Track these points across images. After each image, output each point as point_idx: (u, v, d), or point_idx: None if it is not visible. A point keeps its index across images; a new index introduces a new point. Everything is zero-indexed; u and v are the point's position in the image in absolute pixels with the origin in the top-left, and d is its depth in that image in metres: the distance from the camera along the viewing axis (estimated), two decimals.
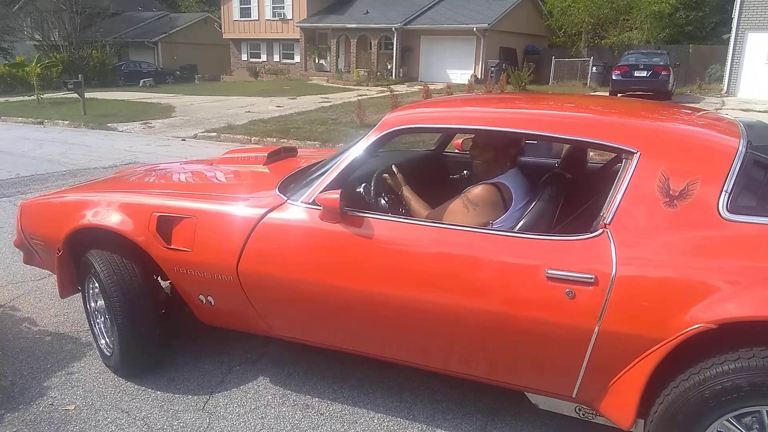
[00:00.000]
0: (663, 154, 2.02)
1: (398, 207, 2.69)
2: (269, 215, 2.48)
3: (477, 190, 2.46)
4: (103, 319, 2.92)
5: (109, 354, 2.89)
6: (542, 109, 2.55)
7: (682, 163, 1.98)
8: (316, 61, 30.27)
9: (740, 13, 19.28)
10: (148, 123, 13.88)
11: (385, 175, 2.73)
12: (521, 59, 25.79)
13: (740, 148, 2.01)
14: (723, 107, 16.39)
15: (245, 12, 31.94)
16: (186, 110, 16.59)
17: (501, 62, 24.33)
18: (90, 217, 2.78)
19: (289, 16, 30.34)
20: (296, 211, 2.45)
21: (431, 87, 19.57)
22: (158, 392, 2.77)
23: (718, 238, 1.86)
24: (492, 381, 2.33)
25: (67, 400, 2.71)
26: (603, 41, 26.56)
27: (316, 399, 2.71)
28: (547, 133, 2.25)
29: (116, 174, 3.88)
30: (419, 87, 19.77)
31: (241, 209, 2.56)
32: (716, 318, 1.75)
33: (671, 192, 1.94)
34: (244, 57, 33.12)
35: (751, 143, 2.05)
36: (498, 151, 2.56)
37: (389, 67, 27.59)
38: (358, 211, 2.34)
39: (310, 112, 15.10)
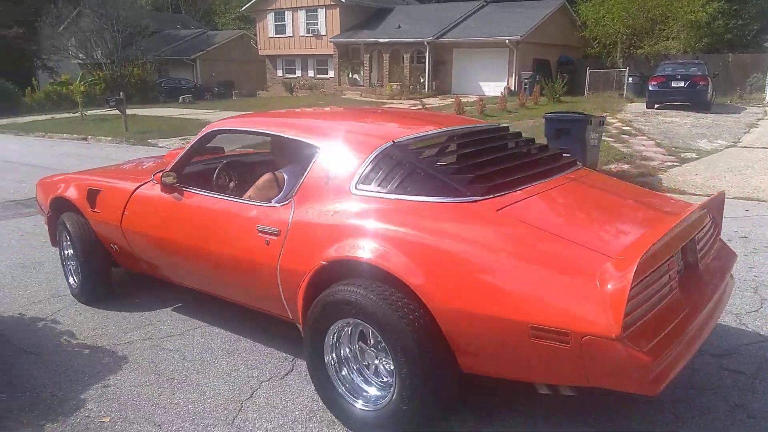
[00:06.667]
0: (331, 149, 2.88)
1: (236, 188, 3.61)
2: (138, 189, 3.67)
3: (261, 179, 3.28)
4: (72, 263, 4.18)
5: (75, 288, 4.16)
6: (294, 117, 3.67)
7: (340, 154, 2.84)
8: (350, 75, 30.57)
9: None
10: (186, 138, 14.24)
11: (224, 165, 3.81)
12: (555, 70, 25.55)
13: (384, 145, 2.76)
14: (766, 117, 15.96)
15: (280, 29, 32.54)
16: None
17: (534, 74, 24.13)
18: (62, 191, 4.15)
19: (323, 32, 30.78)
20: (151, 187, 3.59)
21: (464, 100, 19.60)
22: (189, 406, 2.84)
23: (348, 205, 2.67)
24: (253, 307, 3.22)
25: (102, 412, 2.81)
26: (639, 51, 26.09)
27: None
28: (282, 134, 3.20)
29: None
30: (452, 100, 19.79)
31: (126, 185, 3.78)
32: (328, 258, 2.57)
33: (330, 174, 2.80)
34: (280, 73, 33.68)
35: (394, 142, 2.78)
36: (277, 150, 3.63)
37: (422, 80, 27.68)
38: (183, 187, 3.39)
39: None
